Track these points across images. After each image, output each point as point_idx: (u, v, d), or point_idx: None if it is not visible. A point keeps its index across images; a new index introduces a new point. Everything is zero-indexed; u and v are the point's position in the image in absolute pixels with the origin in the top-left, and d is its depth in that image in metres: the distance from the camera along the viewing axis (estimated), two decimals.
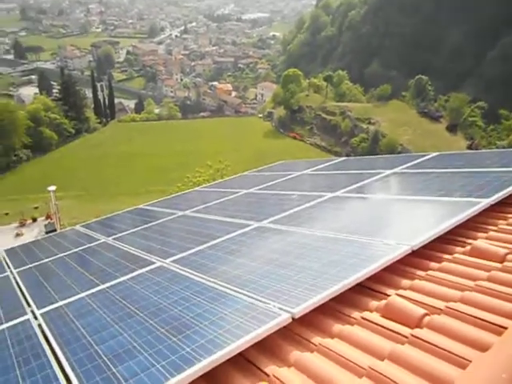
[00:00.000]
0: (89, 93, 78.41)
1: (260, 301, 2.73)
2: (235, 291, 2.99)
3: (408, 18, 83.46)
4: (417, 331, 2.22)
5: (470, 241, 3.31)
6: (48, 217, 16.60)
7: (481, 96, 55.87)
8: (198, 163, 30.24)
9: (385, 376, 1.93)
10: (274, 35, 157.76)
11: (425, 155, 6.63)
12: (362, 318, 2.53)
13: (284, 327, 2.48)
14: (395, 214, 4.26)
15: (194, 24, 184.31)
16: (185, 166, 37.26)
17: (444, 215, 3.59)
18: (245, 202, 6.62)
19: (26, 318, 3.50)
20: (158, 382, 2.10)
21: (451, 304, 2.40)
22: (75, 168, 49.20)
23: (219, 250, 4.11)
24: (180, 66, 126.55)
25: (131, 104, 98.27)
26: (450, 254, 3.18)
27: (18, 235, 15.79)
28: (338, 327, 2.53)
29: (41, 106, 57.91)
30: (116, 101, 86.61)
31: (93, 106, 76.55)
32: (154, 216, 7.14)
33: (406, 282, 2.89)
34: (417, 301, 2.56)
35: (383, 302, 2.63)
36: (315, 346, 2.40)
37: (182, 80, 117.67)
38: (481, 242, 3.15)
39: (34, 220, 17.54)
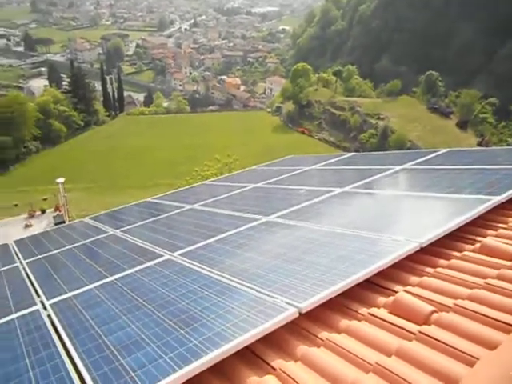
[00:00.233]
0: (98, 85, 78.41)
1: (267, 295, 2.74)
2: (243, 285, 3.00)
3: (418, 13, 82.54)
4: (424, 328, 2.22)
5: (479, 238, 3.28)
6: (57, 208, 16.71)
7: (491, 93, 55.18)
8: (206, 157, 30.34)
9: (392, 372, 1.92)
10: (283, 29, 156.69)
11: (434, 151, 6.58)
12: (370, 314, 2.53)
13: (291, 322, 2.48)
14: (404, 210, 4.25)
15: (203, 17, 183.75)
16: (193, 160, 37.31)
17: (453, 212, 3.57)
18: (253, 197, 6.62)
19: (35, 308, 3.53)
20: (165, 373, 2.12)
21: (460, 301, 2.39)
22: (84, 160, 49.37)
23: (227, 244, 4.12)
24: (189, 59, 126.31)
25: (140, 97, 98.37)
26: (459, 251, 3.16)
27: (27, 226, 15.92)
28: (345, 323, 2.53)
29: (50, 99, 57.99)
30: (125, 94, 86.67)
31: (102, 98, 76.61)
32: (162, 209, 7.17)
33: (414, 279, 2.88)
34: (425, 298, 2.55)
35: (391, 298, 2.63)
36: (322, 340, 2.40)
37: (190, 74, 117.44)
38: (490, 240, 3.13)
39: (43, 212, 17.66)
